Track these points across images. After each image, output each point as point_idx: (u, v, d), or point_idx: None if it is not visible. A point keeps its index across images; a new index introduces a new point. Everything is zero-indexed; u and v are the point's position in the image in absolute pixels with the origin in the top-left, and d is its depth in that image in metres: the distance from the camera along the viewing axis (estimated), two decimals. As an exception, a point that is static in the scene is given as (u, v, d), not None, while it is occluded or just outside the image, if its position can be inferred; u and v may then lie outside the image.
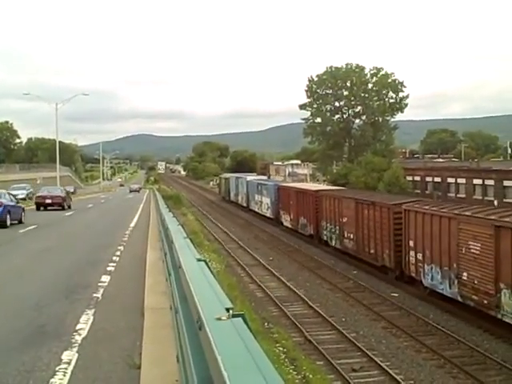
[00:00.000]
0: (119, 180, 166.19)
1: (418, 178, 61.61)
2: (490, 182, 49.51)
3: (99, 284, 12.66)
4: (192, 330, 4.82)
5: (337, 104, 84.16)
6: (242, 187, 66.99)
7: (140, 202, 54.32)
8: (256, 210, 57.87)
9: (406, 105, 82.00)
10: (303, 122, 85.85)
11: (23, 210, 31.16)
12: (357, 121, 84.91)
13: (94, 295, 11.46)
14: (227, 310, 3.95)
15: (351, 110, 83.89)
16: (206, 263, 7.16)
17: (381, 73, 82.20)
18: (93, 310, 10.04)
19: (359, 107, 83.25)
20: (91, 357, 7.43)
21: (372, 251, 28.37)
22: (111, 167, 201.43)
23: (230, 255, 35.31)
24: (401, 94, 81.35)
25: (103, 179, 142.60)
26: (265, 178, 74.95)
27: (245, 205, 64.36)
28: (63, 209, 41.70)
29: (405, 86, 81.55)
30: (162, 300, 9.64)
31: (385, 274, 27.42)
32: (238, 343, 3.24)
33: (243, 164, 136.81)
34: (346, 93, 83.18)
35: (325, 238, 35.55)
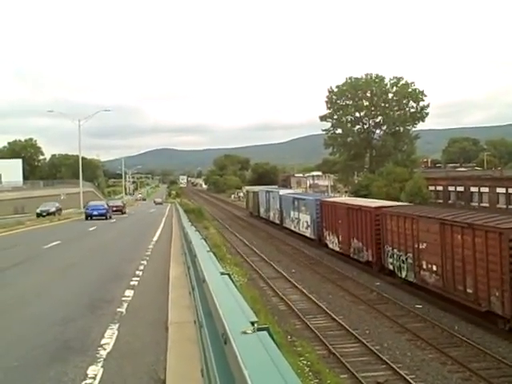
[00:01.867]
0: (139, 195, 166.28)
1: (440, 188, 61.12)
2: (514, 191, 48.94)
3: (123, 299, 12.74)
4: (217, 344, 4.84)
5: (357, 114, 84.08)
6: (274, 202, 60.36)
7: (162, 216, 54.56)
8: (292, 228, 51.21)
9: (427, 114, 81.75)
10: (324, 133, 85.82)
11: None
12: (377, 131, 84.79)
13: (118, 310, 11.52)
14: (252, 323, 3.99)
15: (372, 121, 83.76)
16: (230, 276, 7.18)
17: (401, 82, 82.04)
18: (117, 325, 10.10)
19: (380, 117, 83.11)
20: (116, 371, 7.47)
21: (470, 290, 21.49)
22: (133, 182, 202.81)
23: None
24: (421, 104, 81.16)
25: (125, 194, 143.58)
26: (300, 191, 69.45)
27: (278, 222, 58.23)
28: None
29: (425, 95, 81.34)
30: (186, 314, 9.67)
31: (494, 323, 20.43)
32: (264, 357, 3.26)
33: (264, 176, 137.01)
34: (366, 103, 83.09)
35: (390, 266, 29.18)
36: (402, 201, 47.76)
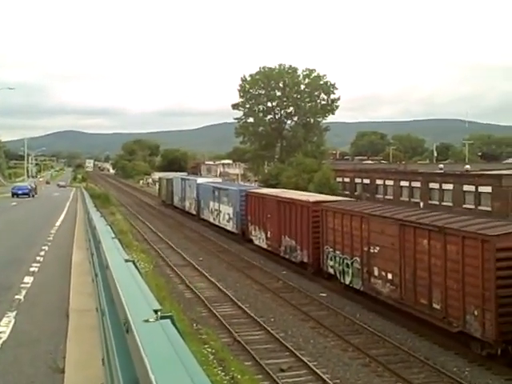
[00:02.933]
0: (41, 180, 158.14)
1: (347, 180, 62.61)
2: (417, 184, 50.98)
3: (22, 285, 12.24)
4: (119, 333, 4.72)
5: (269, 104, 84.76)
6: (190, 191, 55.73)
7: (67, 200, 52.99)
8: (211, 220, 47.44)
9: (338, 107, 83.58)
10: (236, 121, 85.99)
11: None
12: (289, 122, 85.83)
13: (16, 297, 11.06)
14: (155, 311, 3.93)
15: (283, 111, 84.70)
16: (135, 264, 7.04)
17: (313, 74, 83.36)
18: (14, 313, 9.69)
19: (291, 108, 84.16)
20: (12, 361, 7.16)
21: (437, 306, 18.28)
22: (37, 164, 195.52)
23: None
24: (332, 96, 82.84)
25: (28, 176, 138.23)
26: (220, 180, 65.09)
27: (194, 212, 53.78)
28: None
29: (336, 88, 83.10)
30: (88, 302, 9.40)
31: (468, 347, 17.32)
32: (166, 345, 3.22)
33: (174, 163, 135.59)
34: (278, 93, 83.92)
35: (330, 270, 25.96)
36: (310, 191, 48.56)
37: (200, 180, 55.66)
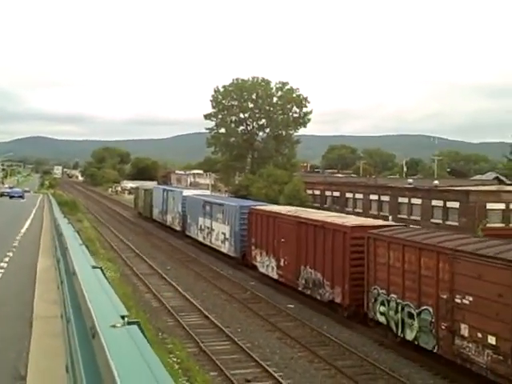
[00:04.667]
0: (6, 186, 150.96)
1: (317, 192, 62.92)
2: (386, 198, 51.45)
3: (-16, 292, 12.00)
4: (84, 339, 4.68)
5: (241, 116, 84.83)
6: (174, 203, 50.07)
7: (33, 206, 52.20)
8: (200, 239, 41.94)
9: (310, 120, 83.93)
10: (207, 131, 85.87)
11: None
12: (260, 133, 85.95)
13: (-21, 303, 10.84)
14: (122, 317, 3.93)
15: (255, 123, 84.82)
16: (102, 270, 6.98)
17: (286, 87, 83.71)
18: (-24, 320, 9.49)
19: (263, 120, 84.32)
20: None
21: None
22: (3, 169, 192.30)
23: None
24: (304, 109, 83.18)
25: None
26: (215, 194, 60.67)
27: (178, 228, 48.40)
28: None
29: (309, 102, 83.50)
30: (53, 308, 9.26)
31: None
32: (133, 350, 3.21)
33: (144, 172, 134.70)
34: (251, 105, 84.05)
35: (380, 318, 20.36)
36: (280, 203, 48.68)
37: (187, 192, 50.39)
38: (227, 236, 36.07)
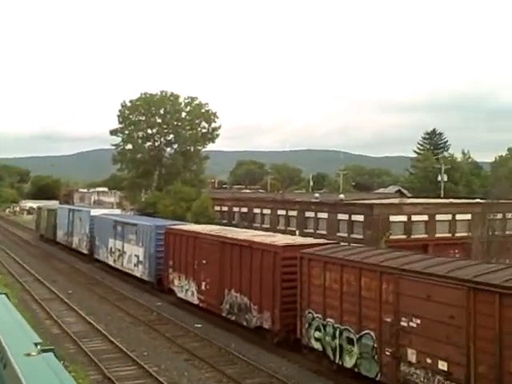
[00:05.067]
0: None
1: (225, 209, 62.91)
2: (293, 213, 52.09)
3: None
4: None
5: (149, 131, 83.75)
6: (80, 225, 47.22)
7: None
8: (110, 262, 39.42)
9: (218, 135, 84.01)
10: (114, 148, 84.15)
11: None
12: (168, 149, 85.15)
13: None
14: (36, 344, 3.91)
15: (163, 138, 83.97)
16: (8, 296, 6.66)
17: (195, 102, 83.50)
18: None
19: (171, 135, 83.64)
20: None
21: None
22: None
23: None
24: (213, 125, 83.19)
25: None
26: (125, 213, 56.96)
27: (85, 251, 45.63)
28: None
29: (217, 117, 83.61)
30: None
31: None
32: (51, 379, 3.14)
33: (46, 190, 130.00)
34: (159, 120, 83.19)
35: (315, 344, 19.28)
36: (188, 220, 48.17)
37: (95, 212, 46.99)
38: (141, 259, 33.84)
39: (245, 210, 59.43)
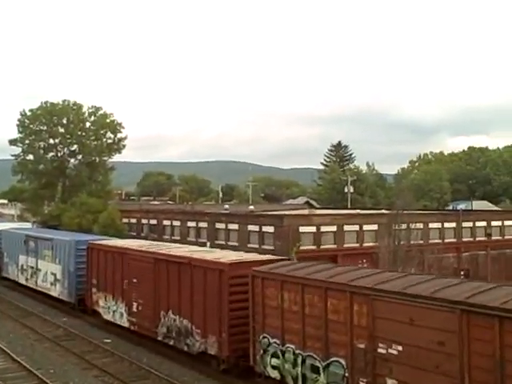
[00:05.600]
0: None
1: (134, 220, 61.71)
2: (204, 225, 51.60)
3: None
4: None
5: (51, 141, 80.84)
6: None
7: None
8: (21, 281, 36.83)
9: (125, 146, 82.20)
10: (13, 158, 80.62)
11: None
12: (72, 160, 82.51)
13: None
14: None
15: (67, 149, 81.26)
16: None
17: (100, 112, 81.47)
18: None
19: (75, 146, 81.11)
20: None
21: None
22: None
23: None
24: (119, 135, 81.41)
25: None
26: (29, 225, 52.31)
27: None
28: None
29: (123, 127, 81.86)
30: None
31: None
32: None
33: None
34: (61, 130, 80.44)
35: (273, 373, 17.77)
36: (95, 233, 46.69)
37: (2, 225, 44.49)
38: (59, 277, 31.52)
39: (154, 221, 58.42)
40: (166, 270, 22.10)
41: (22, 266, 36.50)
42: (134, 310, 24.08)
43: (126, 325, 24.76)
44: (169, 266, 21.97)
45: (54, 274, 31.98)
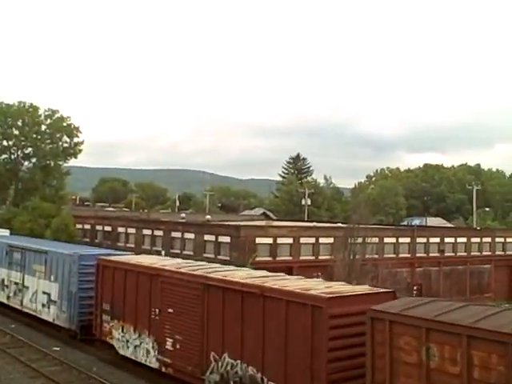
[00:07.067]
0: None
1: (88, 227, 60.80)
2: (159, 233, 51.08)
3: None
4: None
5: (5, 143, 79.22)
6: None
7: None
8: (2, 299, 31.32)
9: (81, 151, 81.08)
10: (-35, 160, 78.59)
11: None
12: (26, 163, 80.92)
13: None
14: None
15: (21, 151, 79.69)
16: None
17: (56, 115, 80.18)
18: None
19: (30, 149, 79.59)
20: None
21: None
22: None
23: None
24: (76, 139, 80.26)
25: None
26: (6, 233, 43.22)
27: None
28: None
29: (80, 132, 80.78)
30: None
31: None
32: None
33: None
34: (16, 132, 78.91)
35: None
36: (47, 237, 45.64)
37: None
38: (54, 298, 25.99)
39: (108, 228, 57.55)
40: (221, 299, 17.32)
41: (3, 281, 31.18)
42: (169, 347, 19.14)
43: (155, 365, 19.76)
44: (226, 295, 17.20)
45: (48, 294, 26.55)
